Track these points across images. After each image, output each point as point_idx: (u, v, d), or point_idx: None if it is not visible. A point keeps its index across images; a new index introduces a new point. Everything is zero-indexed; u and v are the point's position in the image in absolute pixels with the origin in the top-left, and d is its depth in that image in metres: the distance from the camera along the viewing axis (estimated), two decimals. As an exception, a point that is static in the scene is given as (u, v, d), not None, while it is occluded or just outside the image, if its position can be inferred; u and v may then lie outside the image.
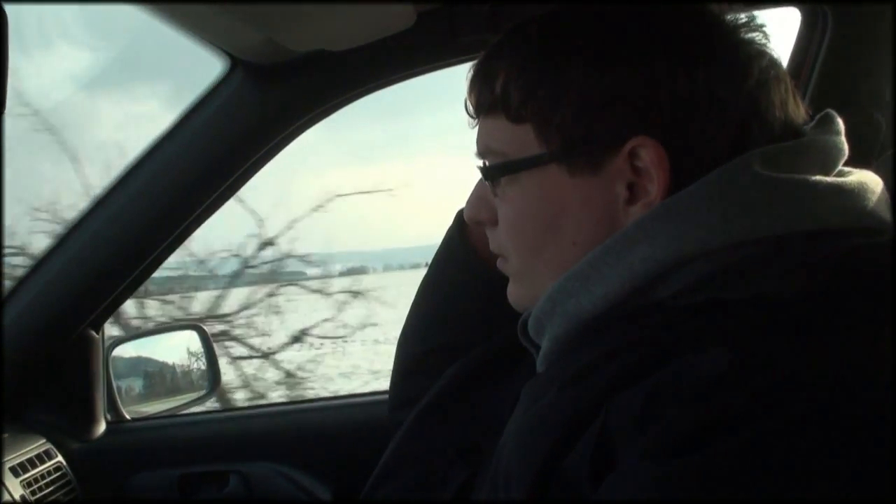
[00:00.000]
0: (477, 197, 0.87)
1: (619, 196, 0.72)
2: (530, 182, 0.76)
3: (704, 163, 0.69)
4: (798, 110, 0.74)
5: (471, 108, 0.83)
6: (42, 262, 1.53)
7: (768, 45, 0.74)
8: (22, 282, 1.53)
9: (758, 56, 0.72)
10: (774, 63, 0.74)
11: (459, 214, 1.05)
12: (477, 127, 0.83)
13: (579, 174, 0.73)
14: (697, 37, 0.72)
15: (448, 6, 1.31)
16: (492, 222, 0.84)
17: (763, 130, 0.71)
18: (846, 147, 0.74)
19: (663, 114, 0.69)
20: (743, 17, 0.74)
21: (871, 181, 0.71)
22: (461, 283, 1.04)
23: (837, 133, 0.74)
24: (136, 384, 1.85)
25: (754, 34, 0.73)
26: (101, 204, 1.49)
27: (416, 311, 1.09)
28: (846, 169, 0.73)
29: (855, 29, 1.37)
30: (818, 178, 0.68)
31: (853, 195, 0.68)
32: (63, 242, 1.51)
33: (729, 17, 0.74)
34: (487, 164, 0.80)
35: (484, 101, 0.79)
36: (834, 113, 0.77)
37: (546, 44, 0.75)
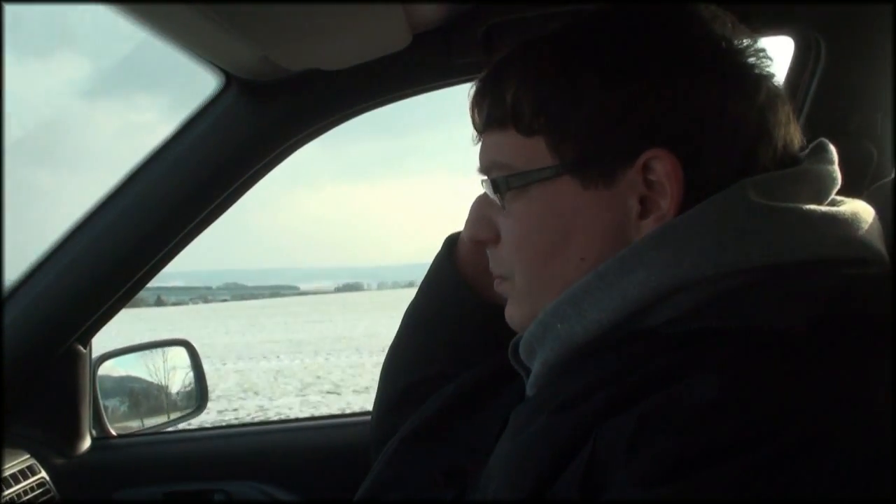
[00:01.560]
0: (478, 215, 0.85)
1: (631, 210, 0.72)
2: (540, 195, 0.75)
3: (716, 179, 0.69)
4: (796, 133, 0.75)
5: (477, 123, 0.81)
6: (31, 276, 1.51)
7: (772, 67, 0.75)
8: (10, 295, 1.52)
9: (766, 76, 0.73)
10: (777, 85, 0.75)
11: (448, 241, 1.04)
12: (480, 143, 0.82)
13: (592, 187, 0.73)
14: (710, 54, 0.72)
15: (444, 28, 1.32)
16: (493, 241, 0.83)
17: (768, 149, 0.71)
18: (839, 176, 0.74)
19: (677, 127, 0.69)
20: (744, 41, 0.74)
21: (863, 211, 0.71)
22: (450, 312, 1.01)
23: (831, 162, 0.75)
24: (123, 402, 1.83)
25: (758, 58, 0.74)
26: (92, 217, 1.48)
27: (403, 341, 1.05)
28: (839, 198, 0.74)
29: (847, 58, 1.38)
30: (812, 207, 0.68)
31: (847, 224, 0.68)
32: (52, 256, 1.50)
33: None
34: (494, 178, 0.79)
35: (494, 114, 0.78)
36: (827, 142, 0.77)
37: (559, 57, 0.74)
